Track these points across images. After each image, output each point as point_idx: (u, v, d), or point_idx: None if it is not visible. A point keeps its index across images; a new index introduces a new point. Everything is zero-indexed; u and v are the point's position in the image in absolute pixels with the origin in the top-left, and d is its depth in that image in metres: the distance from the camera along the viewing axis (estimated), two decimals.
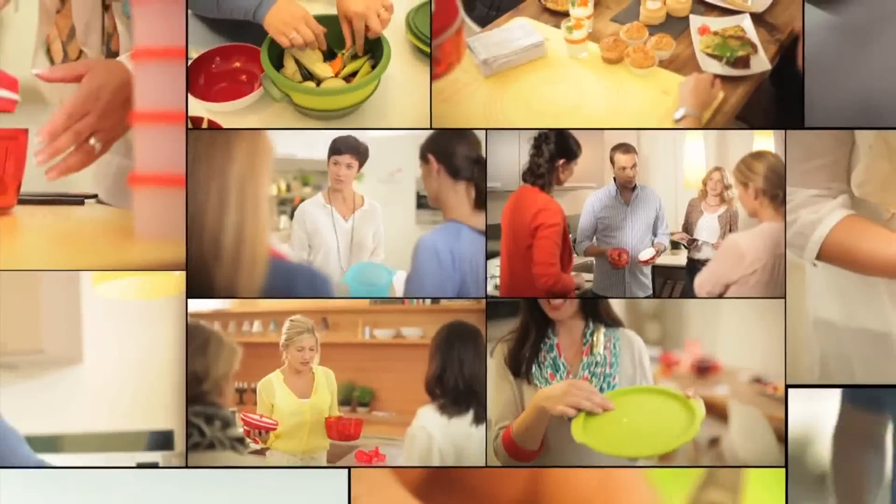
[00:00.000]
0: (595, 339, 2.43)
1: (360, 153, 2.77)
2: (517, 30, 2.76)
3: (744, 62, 2.63)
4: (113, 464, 2.75)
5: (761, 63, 2.63)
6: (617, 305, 2.51)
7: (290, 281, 2.35)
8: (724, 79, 2.61)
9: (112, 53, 2.75)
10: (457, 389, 2.50)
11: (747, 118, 2.65)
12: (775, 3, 2.73)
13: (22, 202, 2.59)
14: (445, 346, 2.54)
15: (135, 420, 2.77)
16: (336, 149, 2.76)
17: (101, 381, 2.82)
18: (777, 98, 2.63)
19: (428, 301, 2.76)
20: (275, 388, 2.69)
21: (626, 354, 2.41)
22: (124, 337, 2.82)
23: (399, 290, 2.66)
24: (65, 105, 2.50)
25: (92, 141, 2.50)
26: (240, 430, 2.54)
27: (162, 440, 2.76)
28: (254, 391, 2.68)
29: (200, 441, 2.39)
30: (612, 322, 2.47)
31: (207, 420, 2.41)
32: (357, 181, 2.82)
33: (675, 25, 2.79)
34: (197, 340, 2.47)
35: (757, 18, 2.73)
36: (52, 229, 2.55)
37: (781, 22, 2.66)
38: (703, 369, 2.70)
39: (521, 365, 2.43)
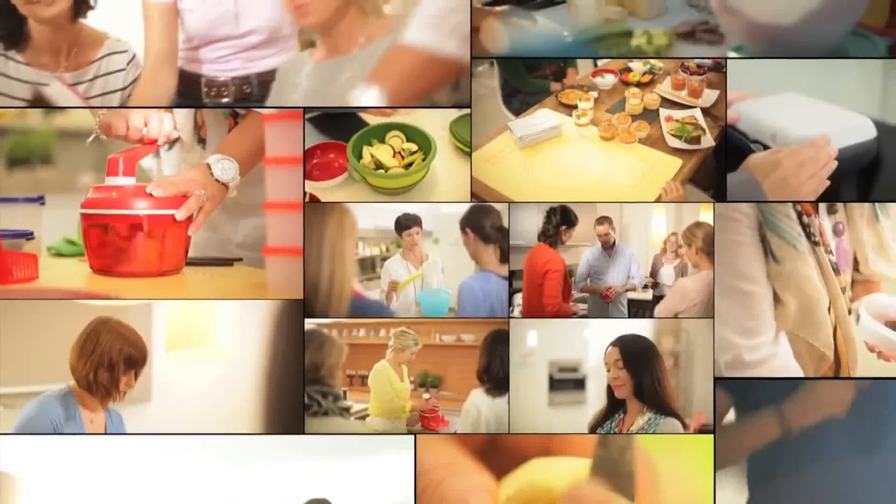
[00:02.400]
0: (638, 419, 2.69)
1: (419, 221, 3.02)
2: (541, 117, 3.13)
3: (696, 140, 2.98)
4: None
5: (708, 141, 2.98)
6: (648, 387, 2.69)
7: (365, 311, 2.89)
8: (683, 151, 2.95)
9: (201, 139, 3.18)
10: (498, 377, 2.87)
11: (698, 180, 2.97)
12: (717, 101, 3.06)
13: (189, 264, 2.97)
14: (491, 347, 2.89)
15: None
16: (405, 226, 3.01)
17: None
18: (717, 166, 2.93)
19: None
20: (389, 373, 2.96)
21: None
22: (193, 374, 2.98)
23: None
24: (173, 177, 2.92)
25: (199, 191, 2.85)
26: (347, 402, 2.84)
27: None
28: (360, 377, 2.96)
29: (318, 410, 2.78)
30: (663, 411, 2.69)
31: (323, 395, 2.79)
32: (434, 244, 3.07)
33: (649, 115, 3.15)
34: (316, 340, 2.81)
35: (705, 111, 3.09)
36: (211, 283, 2.93)
37: (721, 114, 2.97)
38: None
39: (594, 428, 2.80)
